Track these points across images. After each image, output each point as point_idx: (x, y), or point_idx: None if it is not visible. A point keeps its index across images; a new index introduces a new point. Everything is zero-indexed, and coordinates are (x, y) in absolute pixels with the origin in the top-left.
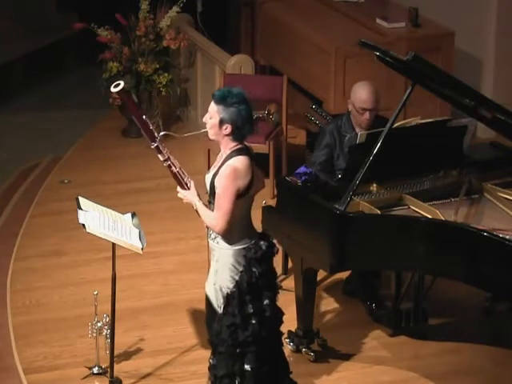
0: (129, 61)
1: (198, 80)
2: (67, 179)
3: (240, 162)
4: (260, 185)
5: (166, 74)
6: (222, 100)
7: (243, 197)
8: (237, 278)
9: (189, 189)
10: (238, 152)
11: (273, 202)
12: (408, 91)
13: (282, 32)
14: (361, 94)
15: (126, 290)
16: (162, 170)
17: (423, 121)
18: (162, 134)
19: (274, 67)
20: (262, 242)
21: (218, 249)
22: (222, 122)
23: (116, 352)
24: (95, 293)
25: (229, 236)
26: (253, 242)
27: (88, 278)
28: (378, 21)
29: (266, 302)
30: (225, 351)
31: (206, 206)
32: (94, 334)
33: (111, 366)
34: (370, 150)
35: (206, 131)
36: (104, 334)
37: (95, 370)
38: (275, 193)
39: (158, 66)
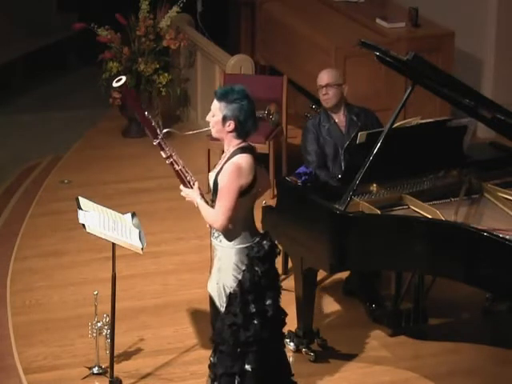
0: (129, 61)
1: (198, 80)
2: (67, 179)
3: (243, 159)
4: (266, 184)
5: (166, 74)
6: (223, 97)
7: (245, 195)
8: (239, 277)
9: (192, 187)
10: (241, 150)
11: (273, 202)
12: (408, 91)
13: (282, 32)
14: (319, 75)
15: (126, 290)
16: (162, 169)
17: (423, 121)
18: (165, 131)
19: (274, 67)
20: (264, 242)
21: (220, 248)
22: (224, 119)
23: (116, 352)
24: (95, 293)
25: (230, 234)
26: (255, 241)
27: (88, 278)
28: (378, 21)
29: (268, 301)
30: (225, 350)
31: (208, 204)
32: (94, 334)
33: (111, 366)
34: (369, 150)
35: (209, 130)
36: (104, 333)
37: (95, 370)
38: (275, 193)
39: (157, 65)
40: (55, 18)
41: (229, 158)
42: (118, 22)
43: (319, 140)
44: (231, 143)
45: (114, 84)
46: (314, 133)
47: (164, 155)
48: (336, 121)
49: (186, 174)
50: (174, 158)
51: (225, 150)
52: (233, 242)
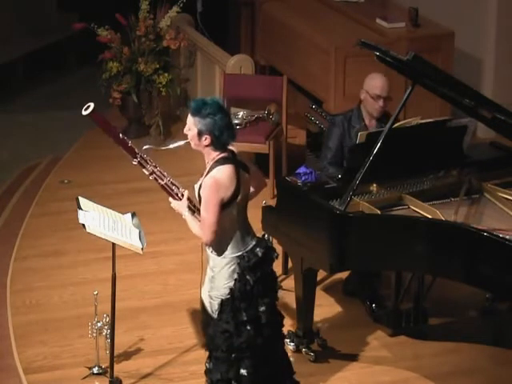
0: (129, 61)
1: (198, 80)
2: (67, 179)
3: (222, 172)
4: (260, 183)
5: (166, 74)
6: (196, 111)
7: (229, 206)
8: (232, 285)
9: (180, 199)
10: (220, 162)
11: (273, 202)
12: (408, 91)
13: (282, 32)
14: (377, 81)
15: (126, 290)
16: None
17: (423, 121)
18: (144, 148)
19: (274, 67)
20: (257, 249)
21: (212, 257)
22: (200, 134)
23: (116, 352)
24: (95, 293)
25: (218, 246)
26: (248, 248)
27: (88, 278)
28: (378, 21)
29: (262, 308)
30: (220, 356)
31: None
32: (94, 334)
33: (111, 366)
34: (370, 150)
35: (188, 142)
36: (104, 334)
37: (95, 370)
38: (275, 193)
39: (157, 65)
40: (55, 18)
41: (208, 171)
42: (118, 22)
43: (344, 138)
44: (210, 156)
45: (83, 112)
46: (341, 129)
47: (147, 172)
48: (367, 124)
49: (173, 187)
50: (157, 173)
51: (205, 163)
52: (222, 254)
